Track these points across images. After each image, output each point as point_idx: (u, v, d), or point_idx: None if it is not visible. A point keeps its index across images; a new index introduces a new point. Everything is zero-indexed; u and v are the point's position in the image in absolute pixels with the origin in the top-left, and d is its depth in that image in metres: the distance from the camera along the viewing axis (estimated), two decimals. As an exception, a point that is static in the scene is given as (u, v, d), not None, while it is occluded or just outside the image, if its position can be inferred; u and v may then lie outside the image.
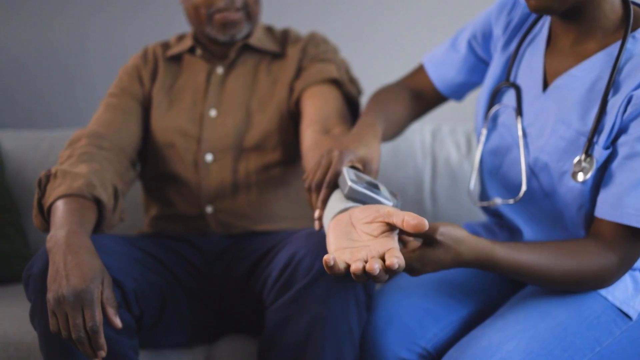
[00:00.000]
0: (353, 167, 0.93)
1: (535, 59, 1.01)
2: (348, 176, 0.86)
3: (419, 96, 1.19)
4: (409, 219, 0.73)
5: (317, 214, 0.91)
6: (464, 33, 1.14)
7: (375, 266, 0.69)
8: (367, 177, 0.91)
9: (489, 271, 0.89)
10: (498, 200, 1.05)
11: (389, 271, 0.71)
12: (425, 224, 0.73)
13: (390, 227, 0.76)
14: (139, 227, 1.33)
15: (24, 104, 1.90)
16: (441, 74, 1.16)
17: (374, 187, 0.88)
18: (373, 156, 0.95)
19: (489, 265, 0.87)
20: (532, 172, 0.99)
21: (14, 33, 1.87)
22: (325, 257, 0.70)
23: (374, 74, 1.52)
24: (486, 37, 1.11)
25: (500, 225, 1.14)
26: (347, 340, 0.96)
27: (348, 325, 0.96)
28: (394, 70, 1.35)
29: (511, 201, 1.02)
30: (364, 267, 0.70)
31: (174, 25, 1.53)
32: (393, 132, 1.14)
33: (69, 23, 1.87)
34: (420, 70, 1.20)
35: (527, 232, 1.05)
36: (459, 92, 1.18)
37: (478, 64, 1.14)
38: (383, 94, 1.16)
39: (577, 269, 0.88)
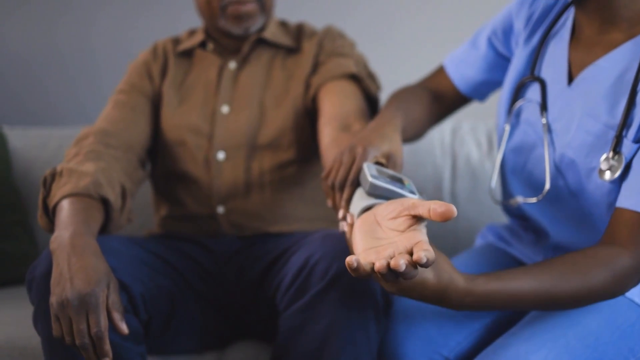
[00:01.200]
0: (377, 162, 0.90)
1: (560, 52, 0.98)
2: (369, 172, 0.83)
3: (440, 98, 1.16)
4: (435, 207, 0.69)
5: (341, 213, 0.87)
6: (484, 31, 1.12)
7: (401, 262, 0.65)
8: (389, 171, 0.87)
9: (477, 310, 0.82)
10: (520, 199, 1.01)
11: (417, 266, 0.66)
12: (454, 210, 0.68)
13: (417, 220, 0.72)
14: (148, 228, 1.29)
15: (31, 102, 1.91)
16: (462, 73, 1.13)
17: (397, 180, 0.85)
18: (397, 150, 0.92)
19: (468, 304, 0.80)
20: (557, 170, 0.96)
21: (21, 32, 1.88)
22: (348, 259, 0.66)
23: (392, 75, 1.50)
24: (507, 32, 1.07)
25: (525, 228, 1.10)
26: (364, 349, 0.92)
27: (366, 333, 0.92)
28: (414, 71, 1.33)
29: (534, 199, 0.98)
30: (388, 264, 0.66)
31: (182, 21, 1.52)
32: (412, 132, 1.10)
33: (75, 21, 1.87)
34: (440, 71, 1.17)
35: (554, 233, 1.00)
36: (481, 91, 1.15)
37: (499, 61, 1.11)
38: (402, 93, 1.13)
39: (585, 284, 0.83)
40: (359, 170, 0.86)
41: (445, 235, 1.50)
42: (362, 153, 0.87)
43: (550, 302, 0.84)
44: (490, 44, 1.10)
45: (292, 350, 0.93)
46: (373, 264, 0.68)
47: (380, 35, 1.81)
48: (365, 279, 0.75)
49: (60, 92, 1.89)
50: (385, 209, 0.75)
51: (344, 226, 0.86)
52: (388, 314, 0.99)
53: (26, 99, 1.90)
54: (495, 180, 1.07)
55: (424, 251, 0.65)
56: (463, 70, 1.13)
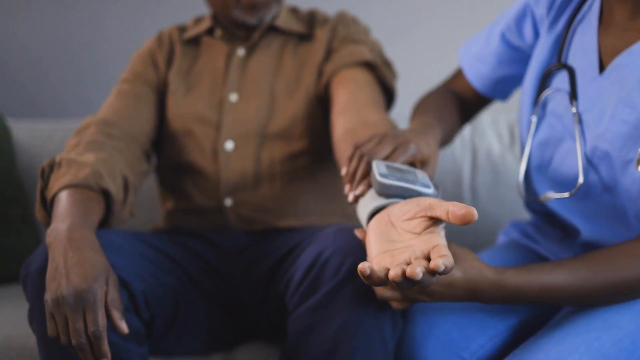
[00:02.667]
0: (411, 164, 0.86)
1: (588, 39, 0.92)
2: (377, 170, 0.78)
3: (462, 100, 1.13)
4: (454, 210, 0.65)
5: (358, 189, 0.83)
6: (497, 25, 1.06)
7: (417, 270, 0.60)
8: (400, 165, 0.83)
9: (510, 303, 0.84)
10: (551, 195, 0.95)
11: (435, 274, 0.61)
12: (474, 213, 0.64)
13: (435, 221, 0.68)
14: (154, 224, 1.26)
15: (37, 95, 1.89)
16: (477, 72, 1.09)
17: (409, 174, 0.80)
18: (434, 160, 0.90)
19: (500, 297, 0.82)
20: (589, 163, 0.91)
21: (28, 24, 1.87)
22: (360, 266, 0.62)
23: (414, 72, 1.45)
24: (520, 22, 1.02)
25: (551, 223, 1.04)
26: (380, 352, 0.87)
27: (381, 334, 0.87)
28: (436, 68, 1.27)
29: (566, 194, 0.93)
30: (403, 272, 0.61)
31: (191, 13, 1.50)
32: (445, 139, 1.07)
33: (83, 12, 1.86)
34: (459, 72, 1.14)
35: (585, 230, 0.94)
36: (500, 89, 1.10)
37: (514, 54, 1.05)
38: (433, 99, 1.09)
39: (620, 278, 0.82)
40: (396, 159, 0.84)
41: (464, 233, 1.46)
42: (406, 145, 0.86)
43: (583, 297, 0.83)
44: (504, 39, 1.05)
45: (302, 352, 0.89)
46: (387, 269, 0.64)
47: (398, 26, 1.78)
48: (379, 286, 0.72)
49: (67, 84, 1.88)
50: (400, 209, 0.72)
51: (350, 197, 0.84)
52: (405, 315, 0.94)
53: (31, 91, 1.89)
54: (522, 175, 1.01)
55: (441, 258, 0.61)
56: (478, 69, 1.09)
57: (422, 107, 1.07)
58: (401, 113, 1.50)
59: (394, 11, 1.80)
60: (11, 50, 1.88)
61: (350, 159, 0.87)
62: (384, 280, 0.63)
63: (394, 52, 1.38)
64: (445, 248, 0.64)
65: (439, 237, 0.66)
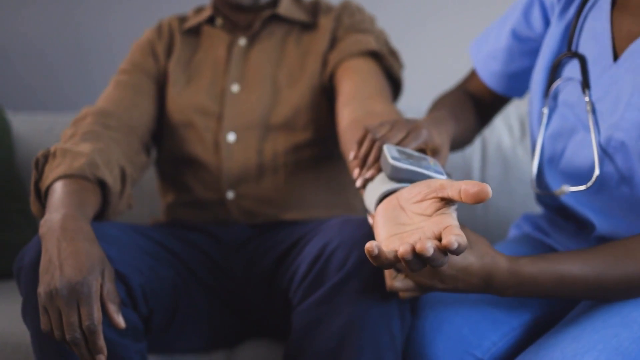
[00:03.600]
0: (420, 150, 0.84)
1: (600, 24, 0.88)
2: (389, 153, 0.75)
3: (479, 101, 1.10)
4: (467, 188, 0.61)
5: (368, 173, 0.81)
6: (507, 19, 1.03)
7: (428, 245, 0.56)
8: (412, 151, 0.80)
9: (523, 295, 0.82)
10: (566, 188, 0.90)
11: (448, 252, 0.58)
12: (488, 190, 0.60)
13: (446, 203, 0.65)
14: (154, 217, 1.24)
15: (37, 87, 1.88)
16: (490, 70, 1.06)
17: (421, 160, 0.77)
18: (444, 151, 0.87)
19: (514, 286, 0.80)
20: (604, 154, 0.87)
21: (27, 15, 1.85)
22: (368, 245, 0.58)
23: (421, 62, 1.42)
24: (527, 12, 0.99)
25: (565, 217, 1.00)
26: (388, 349, 0.84)
27: (389, 330, 0.85)
28: (444, 58, 1.23)
29: (582, 187, 0.89)
30: (413, 249, 0.57)
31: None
32: (461, 139, 1.04)
33: (84, 3, 1.84)
34: (472, 73, 1.11)
35: (600, 224, 0.91)
36: (515, 86, 1.06)
37: (525, 46, 1.02)
38: (448, 99, 1.06)
39: (639, 270, 0.80)
40: (407, 144, 0.82)
41: (474, 226, 1.44)
42: (418, 130, 0.84)
43: (600, 289, 0.81)
44: (513, 33, 1.01)
45: (307, 349, 0.86)
46: (396, 251, 0.60)
47: (405, 17, 1.75)
48: (388, 269, 0.69)
49: (67, 76, 1.86)
50: (410, 192, 0.68)
51: (355, 174, 0.82)
52: (414, 309, 0.92)
53: (31, 83, 1.87)
54: (535, 170, 0.97)
55: (454, 235, 0.57)
56: (490, 67, 1.06)
57: (436, 106, 1.05)
58: (408, 104, 1.48)
59: (402, 2, 1.78)
60: (11, 41, 1.87)
61: (360, 143, 0.84)
62: (393, 261, 0.59)
63: (401, 43, 1.35)
64: (458, 228, 0.60)
65: (450, 217, 0.63)
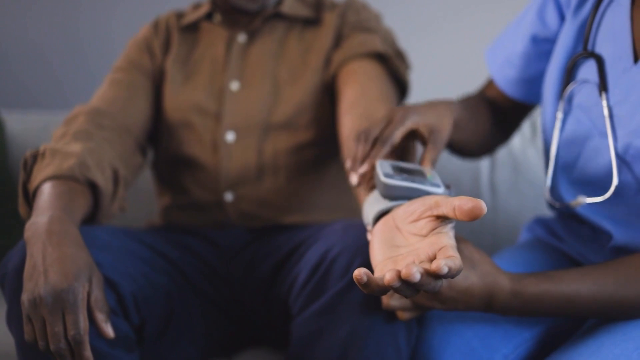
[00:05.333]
0: (419, 134, 0.81)
1: (619, 23, 0.82)
2: (382, 170, 0.72)
3: (500, 110, 1.05)
4: (461, 204, 0.58)
5: (362, 168, 0.80)
6: (522, 22, 0.98)
7: (413, 270, 0.52)
8: (408, 165, 0.77)
9: (527, 315, 0.80)
10: (583, 200, 0.85)
11: (439, 277, 0.54)
12: (483, 206, 0.57)
13: (442, 221, 0.62)
14: (150, 220, 1.21)
15: (31, 83, 1.85)
16: (506, 76, 1.00)
17: (417, 174, 0.74)
18: (443, 127, 0.84)
19: (517, 307, 0.77)
20: (622, 162, 0.81)
21: (21, 12, 1.83)
22: (356, 272, 0.54)
23: (429, 63, 1.39)
24: (542, 11, 0.93)
25: (580, 221, 0.95)
26: None
27: (395, 342, 0.81)
28: (453, 59, 1.20)
29: (600, 199, 0.83)
30: (399, 274, 0.54)
31: None
32: (475, 139, 0.99)
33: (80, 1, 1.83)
34: (490, 81, 1.06)
35: (618, 234, 0.85)
36: (536, 91, 1.00)
37: (541, 47, 0.95)
38: (464, 99, 1.02)
39: None
40: (396, 129, 0.80)
41: (483, 232, 1.40)
42: (402, 114, 0.81)
43: (611, 310, 0.78)
44: (529, 36, 0.95)
45: None
46: None
47: (414, 17, 1.73)
48: (381, 295, 0.66)
49: (63, 74, 1.84)
50: (405, 210, 0.66)
51: (352, 179, 0.81)
52: (420, 321, 0.88)
53: (25, 81, 1.85)
54: (550, 180, 0.92)
55: (444, 260, 0.54)
56: (507, 74, 1.00)
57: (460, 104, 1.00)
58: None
59: (411, 2, 1.76)
60: (5, 38, 1.85)
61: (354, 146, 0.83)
62: (384, 288, 0.55)
63: (407, 41, 1.31)
64: (453, 249, 0.57)
65: (446, 237, 0.60)
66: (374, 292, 0.56)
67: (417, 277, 0.52)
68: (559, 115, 0.88)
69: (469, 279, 0.74)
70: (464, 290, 0.74)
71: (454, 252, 0.56)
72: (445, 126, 0.85)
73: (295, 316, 0.86)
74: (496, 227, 1.40)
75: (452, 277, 0.54)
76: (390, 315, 0.81)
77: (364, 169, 0.78)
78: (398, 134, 0.80)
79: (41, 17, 1.82)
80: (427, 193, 0.71)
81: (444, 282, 0.73)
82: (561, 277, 0.77)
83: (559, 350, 0.79)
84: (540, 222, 1.03)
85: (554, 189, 0.93)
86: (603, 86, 0.82)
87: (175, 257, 1.01)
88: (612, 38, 0.83)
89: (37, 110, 1.68)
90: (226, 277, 1.05)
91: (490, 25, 1.47)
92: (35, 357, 0.80)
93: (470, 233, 1.38)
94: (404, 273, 0.53)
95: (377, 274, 0.61)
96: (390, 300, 0.78)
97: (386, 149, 0.79)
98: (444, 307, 0.76)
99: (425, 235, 0.62)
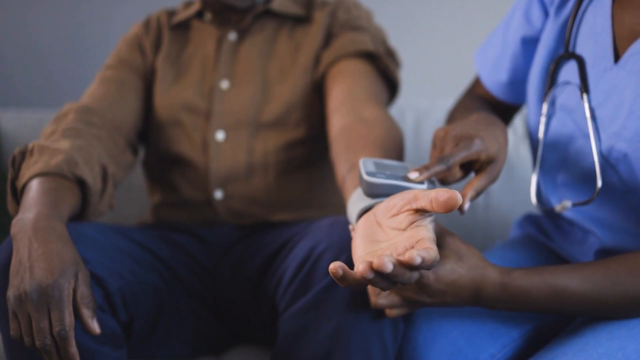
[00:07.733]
0: (477, 162, 0.76)
1: (600, 22, 0.81)
2: (364, 169, 0.72)
3: (491, 107, 1.03)
4: (437, 196, 0.58)
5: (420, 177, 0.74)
6: (509, 24, 0.95)
7: (385, 260, 0.53)
8: (390, 162, 0.77)
9: (515, 310, 0.78)
10: (568, 204, 0.85)
11: (412, 268, 0.54)
12: (458, 197, 0.57)
13: (421, 214, 0.62)
14: (140, 218, 1.20)
15: (24, 81, 1.85)
16: (496, 80, 0.98)
17: (400, 171, 0.74)
18: (502, 157, 0.77)
19: (505, 300, 0.76)
20: (606, 164, 0.80)
21: (17, 7, 1.82)
22: (331, 266, 0.55)
23: (420, 61, 1.37)
24: (528, 12, 0.91)
25: (569, 223, 0.94)
26: (379, 359, 0.80)
27: (380, 339, 0.80)
28: (444, 56, 1.18)
29: (584, 202, 0.82)
30: (371, 267, 0.54)
31: None
32: None
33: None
34: (477, 82, 1.04)
35: (606, 237, 0.85)
36: (525, 93, 0.98)
37: (529, 47, 0.93)
38: (468, 101, 1.00)
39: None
40: (458, 152, 0.73)
41: (475, 228, 1.39)
42: (469, 140, 0.74)
43: (599, 307, 0.77)
44: (518, 38, 0.93)
45: (293, 358, 0.81)
46: None
47: (405, 15, 1.72)
48: (358, 289, 0.66)
49: (57, 72, 1.83)
50: (385, 206, 0.66)
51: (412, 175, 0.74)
52: (407, 320, 0.87)
53: (19, 77, 1.84)
54: (535, 185, 0.91)
55: (417, 251, 0.54)
56: (497, 78, 0.98)
57: (464, 107, 0.97)
58: (407, 103, 1.43)
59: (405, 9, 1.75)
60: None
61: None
62: (361, 282, 0.55)
63: (399, 39, 1.31)
64: (430, 241, 0.57)
65: (424, 230, 0.60)
66: (351, 286, 0.56)
67: (389, 267, 0.53)
68: (542, 119, 0.87)
69: (457, 272, 0.73)
70: (452, 283, 0.73)
71: (430, 244, 0.57)
72: (503, 152, 0.78)
73: (281, 313, 0.85)
74: (488, 224, 1.39)
75: (428, 268, 0.54)
76: (376, 312, 0.80)
77: (422, 177, 0.73)
78: (458, 160, 0.74)
79: (35, 16, 1.81)
80: (408, 189, 0.70)
81: (431, 275, 0.72)
82: (551, 271, 0.76)
83: (544, 349, 0.79)
84: (530, 218, 1.02)
85: (540, 192, 0.92)
86: (584, 88, 0.81)
87: (164, 255, 1.00)
88: (593, 37, 0.82)
89: (31, 108, 1.68)
90: (215, 274, 1.04)
91: (482, 23, 1.46)
92: (22, 353, 0.80)
93: (463, 228, 1.37)
94: (375, 264, 0.53)
95: (357, 268, 0.60)
96: (379, 299, 0.77)
97: (442, 169, 0.73)
98: (432, 301, 0.75)
99: (405, 229, 0.62)
